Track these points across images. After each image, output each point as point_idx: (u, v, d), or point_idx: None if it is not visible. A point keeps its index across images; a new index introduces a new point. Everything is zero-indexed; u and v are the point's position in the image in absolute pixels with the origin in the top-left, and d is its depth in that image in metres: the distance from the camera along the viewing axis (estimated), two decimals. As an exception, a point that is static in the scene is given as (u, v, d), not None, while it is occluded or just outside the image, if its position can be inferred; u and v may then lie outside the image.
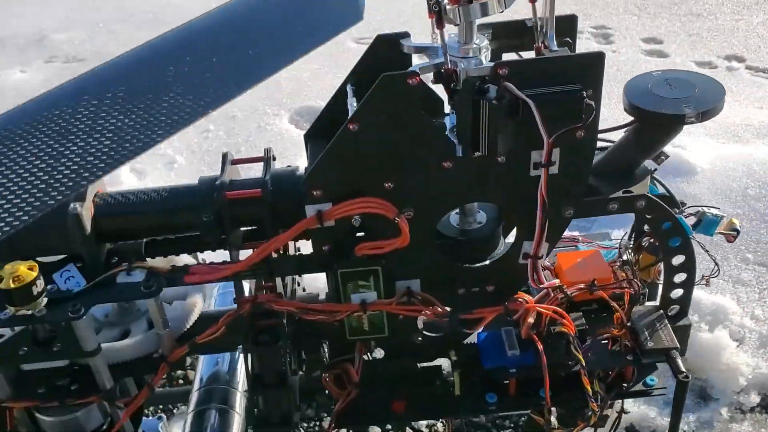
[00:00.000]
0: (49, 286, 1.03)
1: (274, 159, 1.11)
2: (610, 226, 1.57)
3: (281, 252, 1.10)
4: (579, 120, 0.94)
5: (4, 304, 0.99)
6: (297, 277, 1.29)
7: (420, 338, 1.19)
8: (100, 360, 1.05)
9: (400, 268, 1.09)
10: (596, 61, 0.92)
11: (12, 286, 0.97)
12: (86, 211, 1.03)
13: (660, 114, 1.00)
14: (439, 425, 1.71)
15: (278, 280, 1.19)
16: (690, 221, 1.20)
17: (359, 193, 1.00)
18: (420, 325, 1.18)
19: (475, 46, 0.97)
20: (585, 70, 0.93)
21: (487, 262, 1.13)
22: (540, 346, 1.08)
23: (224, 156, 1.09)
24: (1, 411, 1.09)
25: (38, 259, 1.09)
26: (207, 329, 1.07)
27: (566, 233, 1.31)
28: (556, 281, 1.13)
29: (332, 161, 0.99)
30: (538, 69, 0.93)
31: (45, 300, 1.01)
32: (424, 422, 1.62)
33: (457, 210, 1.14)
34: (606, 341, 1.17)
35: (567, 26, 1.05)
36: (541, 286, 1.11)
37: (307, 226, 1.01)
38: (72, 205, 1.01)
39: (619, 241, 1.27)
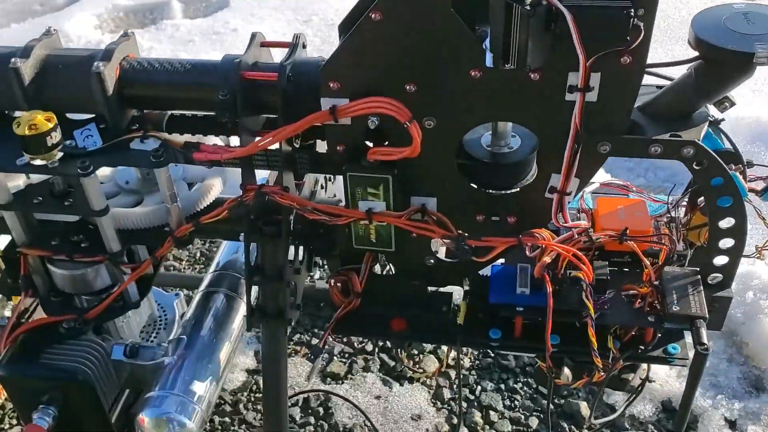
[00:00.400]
0: (67, 142, 1.05)
1: (304, 46, 1.06)
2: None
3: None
4: (623, 42, 0.83)
5: (22, 151, 1.01)
6: (323, 180, 1.25)
7: (432, 261, 1.13)
8: (108, 221, 1.06)
9: (416, 183, 1.03)
10: (653, -28, 0.81)
11: (27, 133, 0.99)
12: (110, 72, 1.02)
13: (725, 50, 0.87)
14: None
15: (308, 179, 1.17)
16: (758, 186, 1.07)
17: (378, 92, 0.94)
18: (433, 247, 1.12)
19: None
20: (640, -17, 0.81)
21: (513, 191, 1.05)
22: (549, 288, 1.00)
23: (253, 36, 1.05)
24: (17, 257, 1.14)
25: (67, 115, 1.11)
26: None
27: (619, 180, 1.21)
28: (583, 223, 1.03)
29: (351, 52, 0.92)
30: (582, -23, 0.82)
31: (60, 154, 1.03)
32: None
33: (490, 130, 1.06)
34: (630, 298, 1.07)
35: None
36: (564, 224, 1.02)
37: (319, 120, 0.96)
38: (96, 63, 1.01)
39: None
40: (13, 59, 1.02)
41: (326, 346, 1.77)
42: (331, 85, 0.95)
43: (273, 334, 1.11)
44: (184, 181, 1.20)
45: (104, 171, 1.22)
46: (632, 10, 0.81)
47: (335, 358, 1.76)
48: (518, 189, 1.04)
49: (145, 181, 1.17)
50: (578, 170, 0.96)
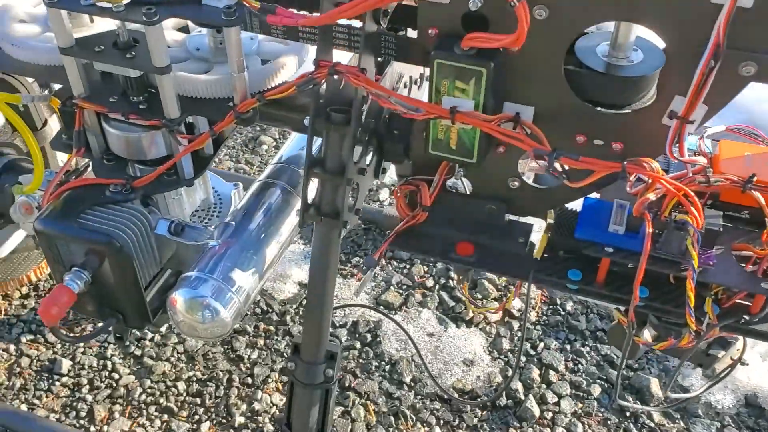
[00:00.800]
0: (139, -11, 0.95)
1: None
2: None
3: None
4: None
5: (87, -10, 0.93)
6: (408, 79, 1.13)
7: (516, 183, 1.00)
8: (169, 82, 0.97)
9: (513, 86, 0.90)
10: None
11: (93, -32, 0.90)
12: None
13: None
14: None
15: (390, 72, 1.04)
16: None
17: (485, -33, 0.81)
18: (521, 168, 0.99)
19: None
20: None
21: (625, 111, 0.90)
22: (649, 228, 0.86)
23: None
24: (73, 110, 1.06)
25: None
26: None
27: (748, 126, 1.04)
28: (701, 159, 0.87)
29: None
30: None
31: (127, -1, 0.94)
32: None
33: (609, 42, 0.91)
34: (743, 259, 0.91)
35: None
36: (680, 158, 0.86)
37: (414, -10, 0.83)
38: None
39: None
40: None
41: (382, 265, 1.67)
42: (434, -50, 0.82)
43: (326, 234, 1.01)
44: (258, 56, 1.09)
45: (175, 36, 1.13)
46: None
47: (392, 287, 1.66)
48: (631, 110, 0.89)
49: (217, 51, 1.07)
50: (709, 95, 0.80)
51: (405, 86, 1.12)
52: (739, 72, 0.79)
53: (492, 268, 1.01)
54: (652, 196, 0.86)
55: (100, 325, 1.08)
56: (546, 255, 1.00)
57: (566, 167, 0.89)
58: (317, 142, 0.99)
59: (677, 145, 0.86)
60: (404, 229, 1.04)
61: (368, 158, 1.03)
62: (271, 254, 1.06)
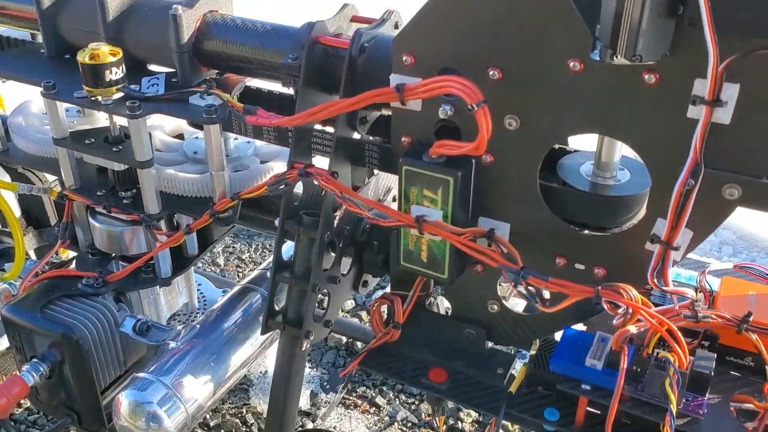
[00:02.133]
0: (132, 86, 0.98)
1: (397, 27, 0.92)
2: None
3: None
4: (776, 37, 0.62)
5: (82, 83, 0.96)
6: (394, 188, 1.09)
7: (495, 307, 0.92)
8: (149, 176, 0.97)
9: (487, 200, 0.85)
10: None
11: (87, 61, 0.93)
12: (189, 19, 0.95)
13: None
14: None
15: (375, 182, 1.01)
16: None
17: (454, 73, 0.78)
18: (499, 291, 0.92)
19: None
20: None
21: (607, 234, 0.83)
22: (623, 363, 0.76)
23: (343, 6, 0.94)
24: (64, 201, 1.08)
25: (150, 68, 1.06)
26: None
27: (761, 266, 0.94)
28: (689, 291, 0.78)
29: (429, 22, 0.78)
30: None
31: (120, 94, 0.96)
32: None
33: (592, 160, 0.85)
34: (742, 413, 0.80)
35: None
36: (663, 289, 0.78)
37: (383, 97, 0.81)
38: (175, 6, 0.94)
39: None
40: (101, -8, 0.99)
41: (389, 398, 1.56)
42: (404, 58, 0.81)
43: (288, 345, 0.95)
44: (257, 158, 1.09)
45: (170, 139, 1.15)
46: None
47: (396, 423, 1.55)
48: (612, 234, 0.82)
49: (212, 153, 1.08)
50: (692, 218, 0.73)
51: (394, 200, 1.08)
52: (723, 194, 0.72)
53: (464, 400, 0.92)
54: (632, 329, 0.77)
55: (54, 423, 1.03)
56: (524, 390, 0.90)
57: (543, 291, 0.82)
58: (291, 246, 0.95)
59: (661, 273, 0.78)
60: (376, 347, 0.97)
61: (345, 267, 0.99)
62: (237, 362, 1.00)
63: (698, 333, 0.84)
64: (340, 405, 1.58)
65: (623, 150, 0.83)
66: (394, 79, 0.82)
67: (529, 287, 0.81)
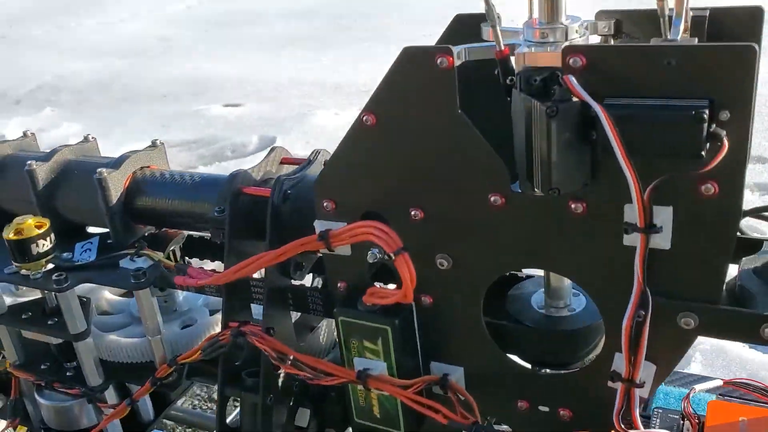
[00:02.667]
0: (65, 254, 0.94)
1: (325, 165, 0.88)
2: None
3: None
4: (696, 161, 0.55)
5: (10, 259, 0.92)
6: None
7: (466, 462, 0.83)
8: (85, 349, 0.92)
9: (436, 343, 0.78)
10: (741, 58, 0.53)
11: (11, 237, 0.90)
12: (116, 180, 0.92)
13: None
14: None
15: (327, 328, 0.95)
16: None
17: (378, 218, 0.73)
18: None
19: (560, 26, 0.64)
20: (720, 74, 0.54)
21: (568, 371, 0.75)
22: None
23: (270, 150, 0.90)
24: (10, 376, 1.02)
25: (90, 230, 1.02)
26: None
27: (755, 381, 0.85)
28: (663, 433, 0.69)
29: (345, 164, 0.73)
30: (634, 63, 0.56)
31: (50, 266, 0.92)
32: None
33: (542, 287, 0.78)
34: None
35: (746, 22, 0.65)
36: (631, 432, 0.69)
37: (308, 246, 0.76)
38: (99, 170, 0.91)
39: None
40: (29, 161, 0.96)
41: None
42: (326, 204, 0.76)
43: None
44: (206, 308, 1.04)
45: (117, 299, 1.10)
46: (705, 112, 0.53)
47: None
48: (571, 371, 0.74)
49: (162, 312, 1.03)
50: (651, 351, 0.65)
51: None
52: (679, 324, 0.64)
53: None
54: (607, 484, 0.68)
55: None
56: None
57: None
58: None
59: (629, 413, 0.69)
60: None
61: (306, 420, 0.91)
62: None
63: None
64: None
65: (574, 275, 0.76)
66: (319, 225, 0.77)
67: (491, 441, 0.73)
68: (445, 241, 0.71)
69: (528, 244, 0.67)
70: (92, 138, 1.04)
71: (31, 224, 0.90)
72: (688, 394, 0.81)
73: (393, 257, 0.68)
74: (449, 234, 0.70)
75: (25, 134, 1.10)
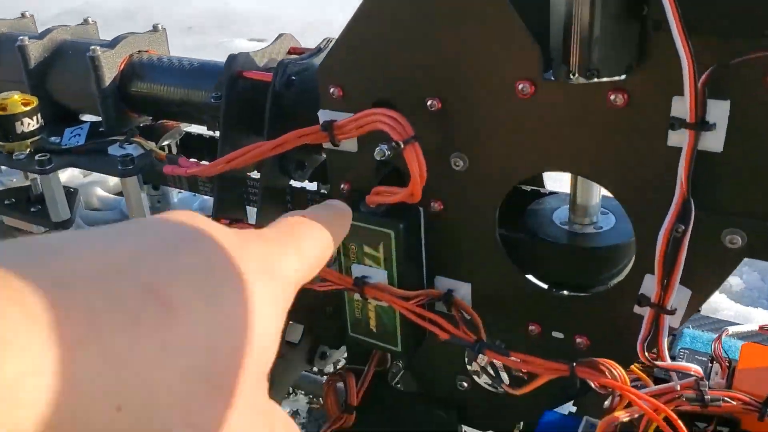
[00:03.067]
0: (53, 138, 0.87)
1: (337, 56, 0.80)
2: None
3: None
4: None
5: (-4, 138, 0.86)
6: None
7: (465, 384, 0.76)
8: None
9: (443, 255, 0.70)
10: None
11: (-6, 112, 0.83)
12: (110, 61, 0.84)
13: None
14: None
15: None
16: None
17: (389, 107, 0.65)
18: (471, 366, 0.76)
19: None
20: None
21: (588, 294, 0.67)
22: (608, 463, 0.59)
23: (279, 36, 0.81)
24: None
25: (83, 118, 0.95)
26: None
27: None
28: (693, 367, 0.61)
29: (352, 47, 0.65)
30: None
31: (34, 147, 0.85)
32: None
33: (568, 203, 0.70)
34: None
35: None
36: (658, 364, 0.61)
37: (310, 138, 0.68)
38: (93, 47, 0.84)
39: None
40: (21, 37, 0.89)
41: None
42: (332, 91, 0.67)
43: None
44: (201, 213, 0.97)
45: (108, 196, 1.04)
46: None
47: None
48: (594, 294, 0.66)
49: (154, 210, 0.96)
50: (688, 273, 0.57)
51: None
52: (723, 242, 0.56)
53: (430, 499, 0.76)
54: (622, 416, 0.61)
55: None
56: (502, 487, 0.74)
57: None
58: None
59: (656, 343, 0.61)
60: (329, 435, 0.82)
61: (298, 335, 0.85)
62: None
63: (710, 417, 0.67)
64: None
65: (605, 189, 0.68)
66: (323, 115, 0.69)
67: (494, 363, 0.66)
68: (463, 137, 0.63)
69: (556, 143, 0.59)
70: (92, 21, 0.96)
71: (16, 100, 0.83)
72: (720, 335, 0.73)
73: (402, 146, 0.59)
74: (468, 128, 0.62)
75: (23, 14, 1.02)
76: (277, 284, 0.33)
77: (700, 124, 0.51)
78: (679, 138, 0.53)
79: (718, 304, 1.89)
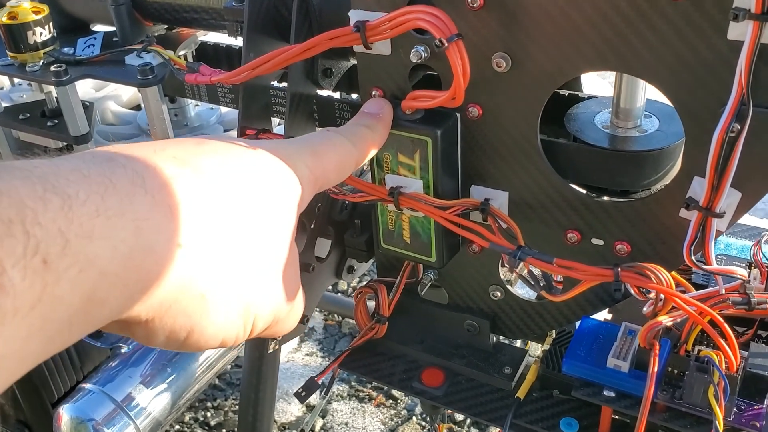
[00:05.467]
0: (67, 49, 0.84)
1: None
2: None
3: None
4: None
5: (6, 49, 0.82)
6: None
7: (498, 294, 0.76)
8: (87, 155, 0.83)
9: (479, 163, 0.68)
10: None
11: (5, 21, 0.79)
12: (122, -35, 0.80)
13: None
14: None
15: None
16: None
17: (427, 3, 0.61)
18: (502, 274, 0.75)
19: None
20: None
21: (630, 199, 0.65)
22: (654, 365, 0.59)
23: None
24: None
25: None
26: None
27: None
28: (738, 270, 0.61)
29: (391, -66, 0.61)
30: None
31: (51, 59, 0.82)
32: None
33: (609, 106, 0.68)
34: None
35: None
36: (705, 268, 0.60)
37: (341, 40, 0.64)
38: (104, -50, 0.79)
39: None
40: (27, -60, 0.84)
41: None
42: (364, -11, 0.64)
43: (254, 347, 0.80)
44: (221, 126, 0.95)
45: (123, 111, 1.01)
46: None
47: (414, 417, 1.40)
48: (638, 199, 0.65)
49: (173, 124, 0.93)
50: (739, 175, 0.55)
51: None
52: (784, 141, 0.54)
53: (463, 408, 0.76)
54: (665, 321, 0.60)
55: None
56: (535, 395, 0.74)
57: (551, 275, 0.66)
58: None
59: (702, 248, 0.60)
60: (360, 345, 0.82)
61: (325, 250, 0.84)
62: (198, 368, 0.87)
63: (754, 321, 0.66)
64: (353, 398, 1.44)
65: (649, 92, 0.65)
66: (354, 15, 0.65)
67: (532, 271, 0.65)
68: (506, 36, 0.60)
69: (606, 38, 0.56)
70: (100, -75, 0.91)
71: (27, 9, 0.80)
72: (759, 240, 0.72)
73: (445, 45, 0.57)
74: (512, 26, 0.59)
75: None
76: (286, 167, 0.47)
77: (766, 14, 0.49)
78: (741, 30, 0.50)
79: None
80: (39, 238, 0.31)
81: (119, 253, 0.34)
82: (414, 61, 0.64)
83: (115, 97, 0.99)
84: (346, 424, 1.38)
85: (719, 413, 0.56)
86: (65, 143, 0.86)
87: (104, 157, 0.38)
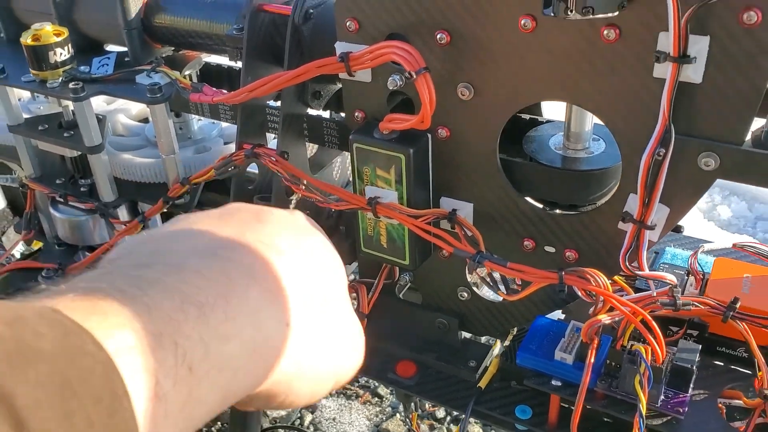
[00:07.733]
0: (82, 67, 0.93)
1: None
2: None
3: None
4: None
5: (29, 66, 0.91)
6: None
7: (465, 295, 0.85)
8: (98, 163, 0.92)
9: (447, 178, 0.77)
10: None
11: (29, 42, 0.88)
12: (136, -7, 0.89)
13: None
14: None
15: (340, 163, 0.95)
16: None
17: (402, 40, 0.71)
18: (469, 277, 0.84)
19: None
20: None
21: (576, 212, 0.74)
22: (591, 357, 0.68)
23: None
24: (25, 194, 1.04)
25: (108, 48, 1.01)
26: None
27: (763, 245, 0.85)
28: (668, 276, 0.69)
29: (370, -20, 0.70)
30: None
31: (67, 76, 0.91)
32: None
33: (562, 129, 0.77)
34: (731, 411, 0.71)
35: None
36: (638, 273, 0.69)
37: (326, 68, 0.73)
38: (120, -22, 0.89)
39: None
40: (48, -31, 0.94)
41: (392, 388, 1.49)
42: (348, 24, 0.73)
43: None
44: (221, 139, 1.04)
45: (133, 123, 1.10)
46: None
47: (398, 414, 1.49)
48: (582, 212, 0.74)
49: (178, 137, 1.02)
50: (667, 193, 0.64)
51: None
52: (699, 165, 0.63)
53: (433, 396, 0.85)
54: (604, 319, 0.69)
55: None
56: (495, 385, 0.83)
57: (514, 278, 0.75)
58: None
59: (635, 256, 0.69)
60: (342, 341, 0.90)
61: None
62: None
63: (684, 322, 0.75)
64: (341, 395, 1.52)
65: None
66: (339, 47, 0.75)
67: (491, 273, 0.74)
68: (469, 68, 0.69)
69: (554, 74, 0.65)
70: (115, -47, 1.00)
71: (49, 31, 0.89)
72: (696, 251, 0.81)
73: (414, 76, 0.66)
74: (473, 60, 0.68)
75: (46, -53, 1.06)
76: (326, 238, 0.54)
77: (682, 58, 0.58)
78: (663, 70, 0.60)
79: (707, 231, 1.98)
80: (186, 348, 0.33)
81: (246, 348, 0.37)
82: (391, 88, 0.73)
83: (125, 110, 1.08)
84: (334, 419, 1.46)
85: (643, 398, 0.64)
86: (80, 153, 0.95)
87: (209, 252, 0.40)
